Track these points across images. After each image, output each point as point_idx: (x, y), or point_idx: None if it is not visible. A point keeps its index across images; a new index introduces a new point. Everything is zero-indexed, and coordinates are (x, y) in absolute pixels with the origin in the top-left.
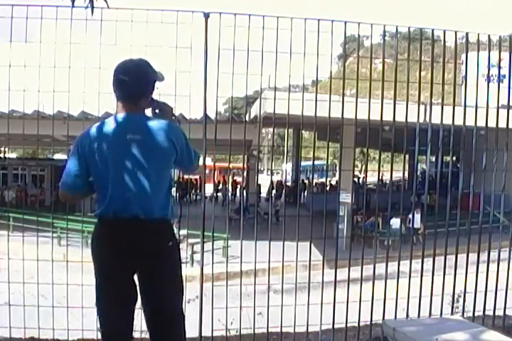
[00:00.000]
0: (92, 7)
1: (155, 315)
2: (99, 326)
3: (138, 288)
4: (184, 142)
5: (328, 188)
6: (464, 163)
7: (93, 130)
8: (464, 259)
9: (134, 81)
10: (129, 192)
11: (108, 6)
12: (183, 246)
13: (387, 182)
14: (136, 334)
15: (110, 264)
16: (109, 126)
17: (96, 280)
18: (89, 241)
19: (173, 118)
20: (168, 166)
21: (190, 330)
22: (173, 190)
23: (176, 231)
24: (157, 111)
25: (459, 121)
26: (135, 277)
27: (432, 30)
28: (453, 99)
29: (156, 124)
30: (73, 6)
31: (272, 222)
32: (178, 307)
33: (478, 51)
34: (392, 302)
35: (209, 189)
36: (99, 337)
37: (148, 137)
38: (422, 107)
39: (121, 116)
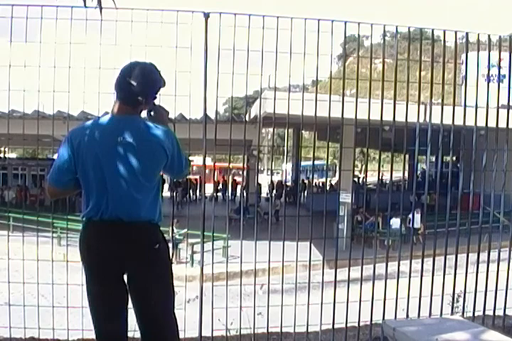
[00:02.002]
0: (101, 7)
1: (143, 317)
2: (94, 328)
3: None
4: (176, 150)
5: (328, 188)
6: (463, 163)
7: (86, 127)
8: (464, 259)
9: (142, 87)
10: (116, 195)
11: (115, 6)
12: (183, 246)
13: (387, 182)
14: (137, 334)
15: (98, 267)
16: (103, 125)
17: (86, 283)
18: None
19: (169, 122)
20: (156, 170)
21: (190, 330)
22: (173, 190)
23: (176, 231)
24: (152, 113)
25: (459, 121)
26: (125, 278)
27: (432, 30)
28: (453, 99)
29: (149, 130)
30: (85, 6)
31: (271, 222)
32: (166, 310)
33: (478, 51)
34: (392, 302)
35: (209, 189)
36: None
37: (140, 141)
38: (422, 107)
39: (116, 117)
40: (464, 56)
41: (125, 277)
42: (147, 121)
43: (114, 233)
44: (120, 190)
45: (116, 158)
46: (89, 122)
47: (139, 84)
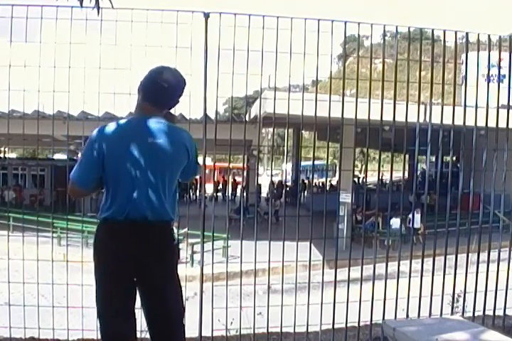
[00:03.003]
0: (98, 7)
1: (156, 315)
2: (100, 328)
3: (138, 288)
4: (195, 153)
5: (328, 188)
6: (464, 163)
7: (113, 128)
8: (464, 259)
9: (173, 92)
10: (145, 194)
11: (112, 6)
12: (183, 246)
13: (387, 182)
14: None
15: (117, 266)
16: (131, 126)
17: (97, 282)
18: (90, 241)
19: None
20: (179, 171)
21: (190, 330)
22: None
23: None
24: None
25: (459, 121)
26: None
27: (432, 30)
28: (453, 99)
29: (175, 131)
30: (81, 7)
31: (271, 222)
32: (179, 308)
33: (478, 51)
34: (392, 302)
35: (209, 189)
36: (99, 337)
37: (168, 142)
38: (422, 107)
39: (144, 118)
40: (463, 56)
41: (135, 276)
42: (170, 123)
43: (137, 232)
44: (149, 189)
45: (145, 158)
46: (115, 122)
47: (171, 87)
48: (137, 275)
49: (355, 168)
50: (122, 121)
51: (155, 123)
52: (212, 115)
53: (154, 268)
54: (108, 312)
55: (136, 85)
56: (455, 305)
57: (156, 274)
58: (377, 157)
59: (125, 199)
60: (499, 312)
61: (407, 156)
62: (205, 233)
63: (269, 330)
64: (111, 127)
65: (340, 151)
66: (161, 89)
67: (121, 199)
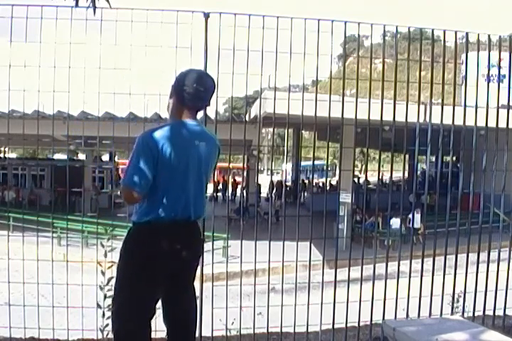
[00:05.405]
0: (94, 7)
1: (184, 314)
2: (121, 328)
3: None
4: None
5: (328, 188)
6: (463, 163)
7: (164, 132)
8: (464, 259)
9: (208, 96)
10: (193, 196)
11: (110, 6)
12: None
13: (387, 182)
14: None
15: (161, 267)
16: (180, 130)
17: (129, 284)
18: (90, 241)
19: None
20: (212, 171)
21: None
22: None
23: None
24: None
25: (459, 121)
26: None
27: (432, 30)
28: (453, 99)
29: (211, 134)
30: (77, 6)
31: (272, 222)
32: (195, 301)
33: (478, 51)
34: (392, 302)
35: (209, 189)
36: (99, 337)
37: (208, 145)
38: (422, 107)
39: (187, 122)
40: (464, 56)
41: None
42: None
43: (182, 232)
44: (198, 190)
45: (194, 160)
46: (162, 128)
47: (206, 91)
48: (176, 273)
49: (355, 168)
50: (169, 126)
51: (196, 127)
52: (212, 115)
53: (192, 264)
54: (140, 313)
55: (136, 85)
56: (455, 305)
57: (190, 269)
58: (377, 157)
59: (176, 201)
60: (499, 312)
61: (407, 156)
62: (205, 233)
63: (269, 330)
64: (161, 132)
65: (340, 151)
66: (198, 93)
67: (171, 202)
